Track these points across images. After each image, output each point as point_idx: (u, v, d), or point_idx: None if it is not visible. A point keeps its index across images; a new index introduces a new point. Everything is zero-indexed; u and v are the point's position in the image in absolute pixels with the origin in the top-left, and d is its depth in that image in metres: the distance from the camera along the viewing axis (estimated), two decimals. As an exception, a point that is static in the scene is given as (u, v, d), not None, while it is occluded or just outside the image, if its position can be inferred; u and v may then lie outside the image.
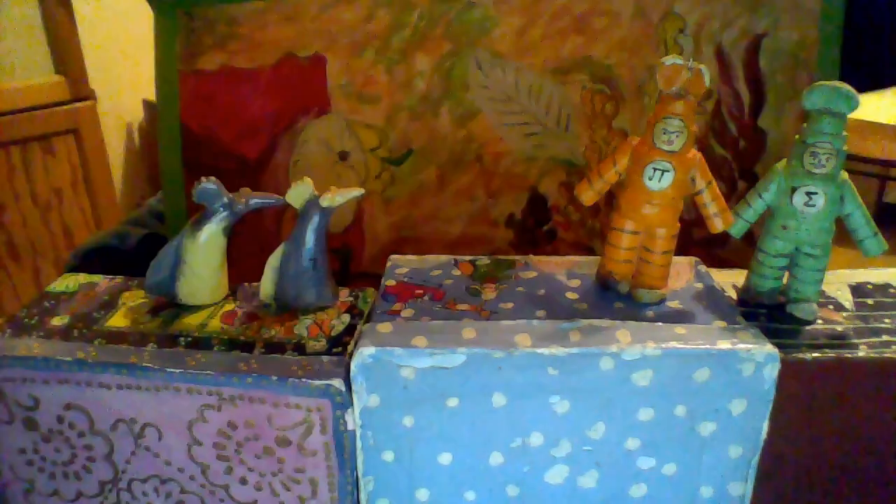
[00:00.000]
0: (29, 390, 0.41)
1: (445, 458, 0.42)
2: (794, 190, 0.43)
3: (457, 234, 0.62)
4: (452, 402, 0.40)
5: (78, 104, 1.87)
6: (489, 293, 0.45)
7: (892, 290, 0.48)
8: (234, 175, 0.62)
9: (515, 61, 0.59)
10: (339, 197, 0.44)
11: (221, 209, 0.45)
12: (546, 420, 0.41)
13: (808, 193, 0.43)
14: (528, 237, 0.62)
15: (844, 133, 0.42)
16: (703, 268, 0.49)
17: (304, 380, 0.39)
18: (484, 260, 0.49)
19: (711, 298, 0.45)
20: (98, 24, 2.08)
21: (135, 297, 0.47)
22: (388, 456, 0.41)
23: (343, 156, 0.62)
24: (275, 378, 0.39)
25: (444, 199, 0.62)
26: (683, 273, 0.48)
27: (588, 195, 0.45)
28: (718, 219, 0.44)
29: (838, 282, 0.49)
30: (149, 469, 0.43)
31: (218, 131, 0.62)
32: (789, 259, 0.45)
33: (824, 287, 0.48)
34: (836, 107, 0.41)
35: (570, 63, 0.59)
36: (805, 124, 0.43)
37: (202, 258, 0.45)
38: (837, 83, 0.41)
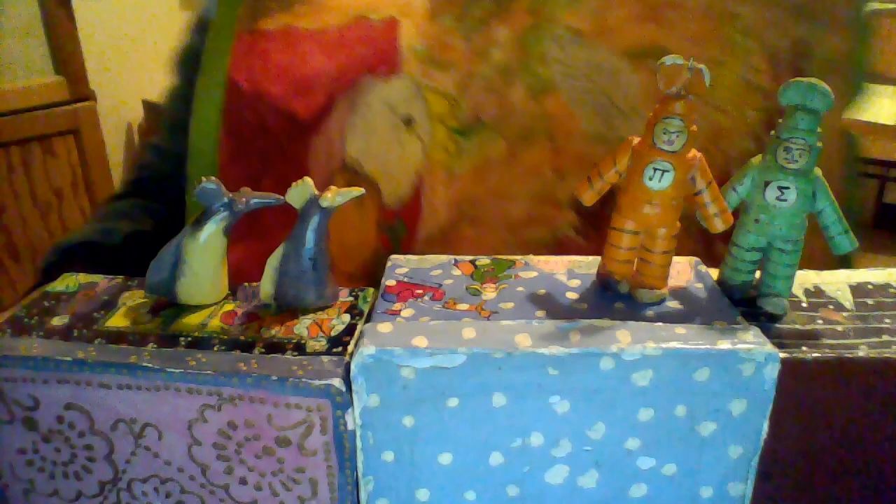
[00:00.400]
0: (29, 390, 0.41)
1: (445, 458, 0.42)
2: (766, 184, 0.44)
3: (520, 214, 0.59)
4: (452, 402, 0.40)
5: (78, 104, 1.87)
6: (489, 293, 0.45)
7: (892, 290, 0.48)
8: (282, 136, 0.59)
9: (593, 41, 0.58)
10: (338, 197, 0.44)
11: (221, 209, 0.45)
12: (546, 420, 0.41)
13: (780, 188, 0.43)
14: (593, 221, 0.59)
15: (819, 129, 0.42)
16: (703, 268, 0.49)
17: (304, 380, 0.39)
18: (484, 260, 0.49)
19: (711, 298, 0.45)
20: (98, 24, 2.08)
21: (135, 297, 0.47)
22: (388, 456, 0.42)
23: (408, 121, 0.58)
24: (275, 378, 0.39)
25: (511, 175, 0.59)
26: (683, 273, 0.48)
27: (588, 195, 0.45)
28: (718, 219, 0.44)
29: (838, 282, 0.49)
30: (149, 469, 0.43)
31: (268, 87, 0.58)
32: (762, 254, 0.46)
33: (824, 287, 0.48)
34: (810, 103, 0.42)
35: (642, 49, 0.59)
36: (780, 120, 0.43)
37: (202, 258, 0.45)
38: (813, 80, 0.42)
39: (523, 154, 0.59)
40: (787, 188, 0.43)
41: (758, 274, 0.47)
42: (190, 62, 0.68)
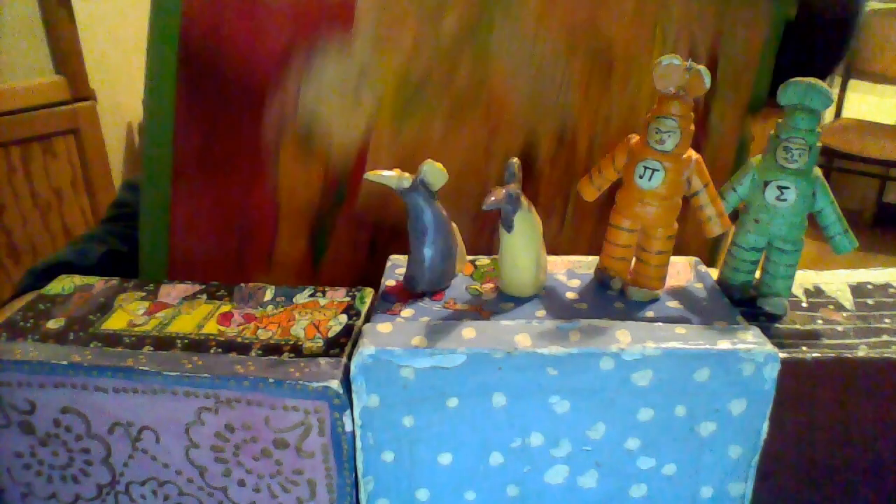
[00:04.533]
0: (25, 394, 0.41)
1: (445, 458, 0.42)
2: (766, 184, 0.44)
3: (458, 163, 0.61)
4: (452, 402, 0.40)
5: (78, 104, 1.87)
6: (489, 293, 0.45)
7: (892, 290, 0.48)
8: (237, 86, 0.58)
9: (536, 22, 0.60)
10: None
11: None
12: (546, 420, 0.41)
13: (780, 188, 0.43)
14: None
15: (818, 129, 0.42)
16: (703, 268, 0.49)
17: (301, 382, 0.39)
18: (484, 260, 0.49)
19: (711, 298, 0.45)
20: (98, 24, 2.08)
21: (130, 299, 0.47)
22: (388, 456, 0.41)
23: (361, 75, 0.59)
24: (272, 381, 0.39)
25: (452, 129, 0.62)
26: (683, 273, 0.48)
27: (589, 191, 0.45)
28: (716, 222, 0.44)
29: (838, 282, 0.49)
30: (146, 472, 0.43)
31: (227, 37, 0.57)
32: (762, 253, 0.46)
33: (824, 287, 0.48)
34: (810, 103, 0.42)
35: (579, 31, 0.61)
36: (780, 120, 0.43)
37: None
38: (812, 80, 0.42)
39: (464, 112, 0.61)
40: (787, 188, 0.43)
41: (758, 274, 0.47)
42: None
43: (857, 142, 3.03)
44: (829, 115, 3.28)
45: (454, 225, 0.46)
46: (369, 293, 0.48)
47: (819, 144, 0.43)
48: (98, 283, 0.49)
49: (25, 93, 1.77)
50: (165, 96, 0.58)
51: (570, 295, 0.45)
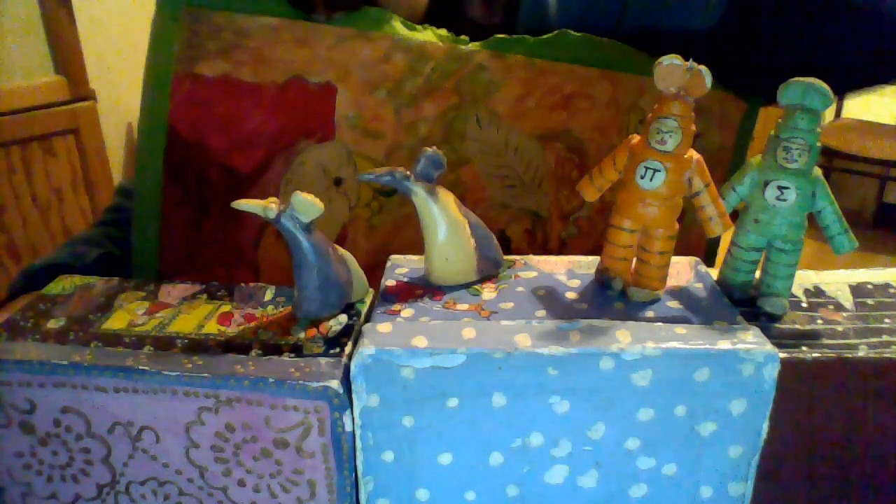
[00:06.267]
0: (25, 394, 0.41)
1: (445, 458, 0.42)
2: (766, 184, 0.44)
3: None
4: (452, 402, 0.40)
5: (78, 104, 1.87)
6: (489, 293, 0.45)
7: (892, 290, 0.48)
8: (221, 186, 0.62)
9: (508, 124, 0.65)
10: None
11: None
12: (546, 420, 0.41)
13: (780, 187, 0.43)
14: None
15: (818, 129, 0.42)
16: (703, 268, 0.49)
17: (301, 382, 0.39)
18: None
19: (711, 298, 0.45)
20: (98, 24, 2.08)
21: (130, 299, 0.47)
22: (388, 456, 0.41)
23: (338, 182, 0.63)
24: (272, 380, 0.39)
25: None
26: (683, 273, 0.48)
27: (590, 191, 0.45)
28: (717, 222, 0.44)
29: (838, 282, 0.49)
30: (147, 472, 0.43)
31: (210, 139, 0.61)
32: (762, 254, 0.46)
33: (824, 287, 0.48)
34: (810, 103, 0.42)
35: (552, 132, 0.66)
36: (780, 120, 0.43)
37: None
38: (812, 80, 0.42)
39: None
40: (787, 188, 0.43)
41: (758, 274, 0.47)
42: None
43: (857, 142, 3.03)
44: (829, 115, 3.28)
45: (348, 254, 0.46)
46: (369, 293, 0.48)
47: (819, 144, 0.43)
48: (98, 283, 0.49)
49: (25, 93, 1.77)
50: (154, 182, 0.62)
51: (570, 295, 0.45)
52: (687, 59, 0.41)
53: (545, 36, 0.64)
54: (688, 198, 0.44)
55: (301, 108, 0.61)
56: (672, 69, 0.40)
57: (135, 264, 0.64)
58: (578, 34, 0.64)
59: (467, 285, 0.46)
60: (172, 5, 0.59)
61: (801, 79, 0.42)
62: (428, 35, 0.62)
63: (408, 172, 0.44)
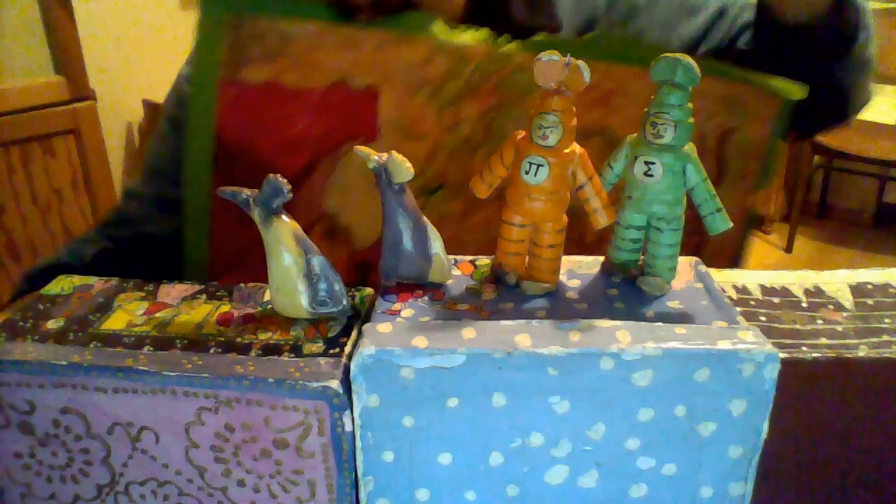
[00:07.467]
0: (24, 395, 0.41)
1: (445, 458, 0.42)
2: (635, 160, 0.44)
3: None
4: (452, 402, 0.40)
5: (78, 104, 1.87)
6: (489, 293, 0.45)
7: (892, 290, 0.48)
8: None
9: None
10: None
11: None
12: (546, 420, 0.41)
13: (647, 163, 0.43)
14: None
15: (689, 105, 0.42)
16: (703, 268, 0.49)
17: (301, 382, 0.39)
18: (484, 260, 0.49)
19: (711, 298, 0.45)
20: (98, 24, 2.08)
21: (130, 299, 0.47)
22: (388, 456, 0.41)
23: None
24: (272, 381, 0.39)
25: (465, 228, 0.67)
26: (683, 273, 0.48)
27: (480, 188, 0.46)
28: (601, 214, 0.44)
29: (838, 282, 0.49)
30: (146, 472, 0.43)
31: (256, 144, 0.62)
32: (643, 233, 0.46)
33: (824, 287, 0.48)
34: (677, 78, 0.42)
35: (590, 130, 0.65)
36: (652, 96, 0.43)
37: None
38: (681, 55, 0.42)
39: (476, 212, 0.67)
40: (653, 163, 0.43)
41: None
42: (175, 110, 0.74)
43: (857, 142, 3.03)
44: (829, 115, 3.27)
45: (436, 233, 0.47)
46: (369, 293, 0.48)
47: (691, 121, 0.42)
48: (97, 283, 0.49)
49: (25, 93, 1.77)
50: (203, 181, 0.63)
51: (570, 295, 0.45)
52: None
53: (585, 36, 0.65)
54: (573, 191, 0.44)
55: (344, 112, 0.62)
56: (551, 65, 0.41)
57: (186, 263, 0.66)
58: (617, 35, 0.66)
59: (303, 320, 0.45)
60: (216, 12, 0.60)
61: (671, 54, 0.42)
62: (468, 36, 0.63)
63: (249, 195, 0.44)
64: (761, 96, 0.70)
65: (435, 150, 0.64)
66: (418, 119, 0.63)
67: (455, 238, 0.62)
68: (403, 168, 0.43)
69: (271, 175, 0.43)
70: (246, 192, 0.44)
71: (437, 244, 0.46)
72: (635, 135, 0.45)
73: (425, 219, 0.46)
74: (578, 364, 0.39)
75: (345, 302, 0.45)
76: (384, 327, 0.41)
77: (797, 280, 0.48)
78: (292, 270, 0.44)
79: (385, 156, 0.43)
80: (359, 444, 0.41)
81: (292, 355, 0.41)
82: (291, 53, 0.60)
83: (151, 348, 0.42)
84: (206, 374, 0.40)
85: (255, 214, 0.44)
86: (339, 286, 0.45)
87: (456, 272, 0.48)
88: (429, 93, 0.62)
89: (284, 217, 0.44)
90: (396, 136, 0.63)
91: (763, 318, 0.45)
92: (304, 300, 0.44)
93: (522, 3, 0.73)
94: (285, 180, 0.43)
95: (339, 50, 0.61)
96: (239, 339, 0.43)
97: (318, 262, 0.45)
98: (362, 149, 0.44)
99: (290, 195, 0.43)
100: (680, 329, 0.41)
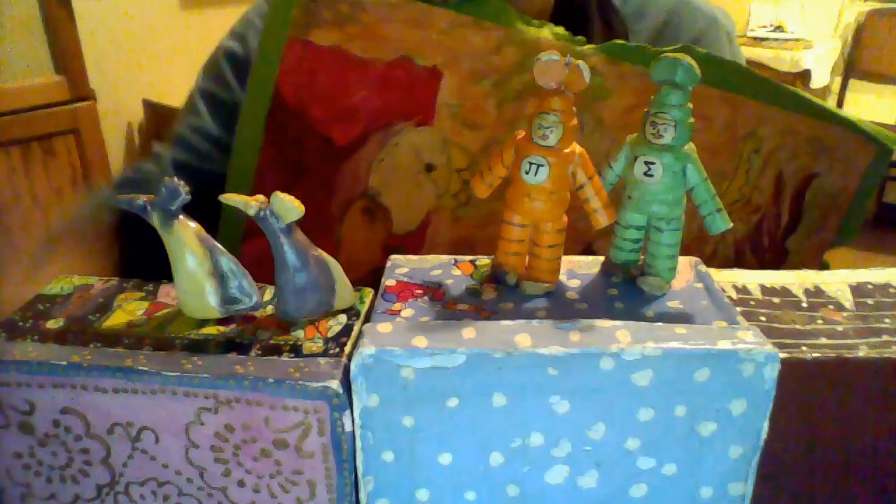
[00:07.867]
0: (24, 395, 0.41)
1: (445, 458, 0.42)
2: (636, 160, 0.44)
3: None
4: (452, 402, 0.40)
5: (78, 104, 1.88)
6: (489, 293, 0.45)
7: (892, 290, 0.48)
8: (316, 155, 0.62)
9: (613, 133, 0.63)
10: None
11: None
12: (546, 420, 0.41)
13: (647, 163, 0.43)
14: None
15: (689, 105, 0.42)
16: (703, 268, 0.48)
17: (301, 382, 0.39)
18: (484, 260, 0.49)
19: (711, 298, 0.45)
20: (98, 24, 2.08)
21: (129, 299, 0.47)
22: (388, 456, 0.41)
23: (429, 167, 0.63)
24: (272, 381, 0.39)
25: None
26: (683, 273, 0.48)
27: (480, 188, 0.46)
28: (601, 214, 0.44)
29: (838, 282, 0.49)
30: (146, 472, 0.43)
31: (312, 108, 0.61)
32: (643, 233, 0.46)
33: (824, 287, 0.48)
34: (677, 78, 0.42)
35: None
36: (653, 97, 0.43)
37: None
38: (680, 55, 0.42)
39: None
40: (653, 163, 0.43)
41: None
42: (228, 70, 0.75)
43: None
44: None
45: (333, 261, 0.46)
46: (369, 293, 0.48)
47: (691, 121, 0.43)
48: (97, 283, 0.49)
49: (25, 93, 1.77)
50: (255, 135, 0.62)
51: (570, 295, 0.45)
52: None
53: (669, 48, 0.63)
54: (573, 191, 0.44)
55: (404, 89, 0.61)
56: (551, 65, 0.41)
57: (223, 220, 0.64)
58: (703, 51, 0.63)
59: (215, 320, 0.45)
60: None
61: (671, 54, 0.42)
62: (544, 32, 0.62)
63: (146, 201, 0.43)
64: (854, 142, 0.67)
65: (490, 144, 0.62)
66: (478, 108, 0.61)
67: (495, 239, 0.63)
68: (293, 206, 0.42)
69: (167, 178, 0.43)
70: (142, 199, 0.43)
71: (336, 271, 0.46)
72: (635, 135, 0.45)
73: (319, 249, 0.45)
74: (578, 364, 0.39)
75: (255, 296, 0.45)
76: (384, 327, 0.41)
77: (797, 280, 0.48)
78: (198, 272, 0.44)
79: (265, 199, 0.42)
80: (359, 444, 0.41)
81: (292, 355, 0.41)
82: (362, 22, 0.59)
83: (151, 348, 0.42)
84: (205, 375, 0.40)
85: (154, 219, 0.43)
86: (247, 282, 0.45)
87: (456, 272, 0.48)
88: (493, 83, 0.61)
89: (185, 219, 0.44)
90: (453, 122, 0.62)
91: (763, 318, 0.45)
92: (213, 300, 0.44)
93: (598, 9, 0.72)
94: (182, 182, 0.43)
95: (409, 25, 0.60)
96: (239, 339, 0.43)
97: (224, 260, 0.45)
98: (235, 197, 0.42)
99: (189, 197, 0.43)
100: (680, 329, 0.41)
